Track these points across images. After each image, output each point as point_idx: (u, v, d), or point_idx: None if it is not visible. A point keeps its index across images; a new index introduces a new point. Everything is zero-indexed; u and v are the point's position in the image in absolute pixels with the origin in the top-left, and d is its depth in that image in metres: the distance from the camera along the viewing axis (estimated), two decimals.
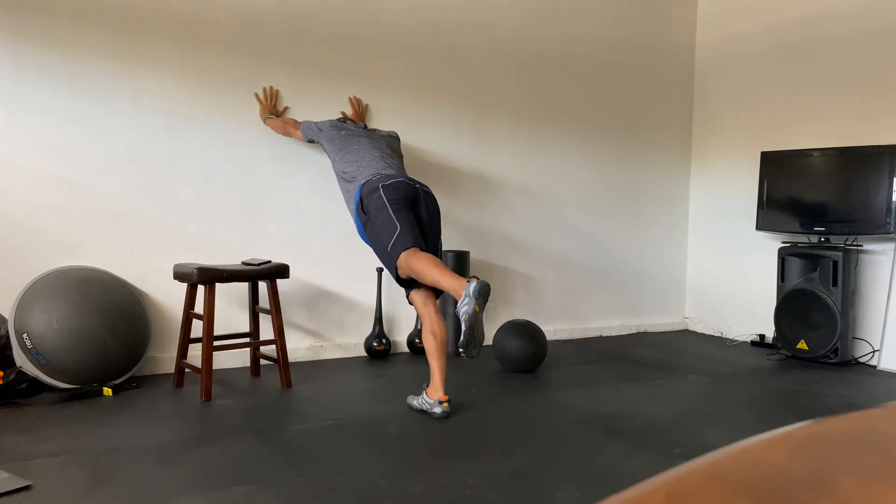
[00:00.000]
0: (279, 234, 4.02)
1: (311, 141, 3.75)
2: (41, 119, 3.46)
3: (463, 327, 2.68)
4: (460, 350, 2.69)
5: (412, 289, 3.11)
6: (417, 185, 3.15)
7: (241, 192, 3.92)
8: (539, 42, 4.77)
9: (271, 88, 3.94)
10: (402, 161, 3.52)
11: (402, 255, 2.94)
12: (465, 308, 2.68)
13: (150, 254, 3.70)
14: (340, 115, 3.92)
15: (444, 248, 4.43)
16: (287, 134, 3.85)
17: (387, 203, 3.03)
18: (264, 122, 3.90)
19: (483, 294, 2.69)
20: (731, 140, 5.10)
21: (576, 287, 5.00)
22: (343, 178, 3.34)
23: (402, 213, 3.03)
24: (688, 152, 5.41)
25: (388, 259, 3.02)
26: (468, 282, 2.70)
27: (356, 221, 3.23)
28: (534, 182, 4.80)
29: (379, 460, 2.46)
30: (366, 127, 3.69)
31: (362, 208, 3.14)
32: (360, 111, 4.16)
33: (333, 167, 3.47)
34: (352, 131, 3.53)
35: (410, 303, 3.17)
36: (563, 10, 4.84)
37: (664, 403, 3.25)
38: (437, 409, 2.95)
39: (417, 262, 2.88)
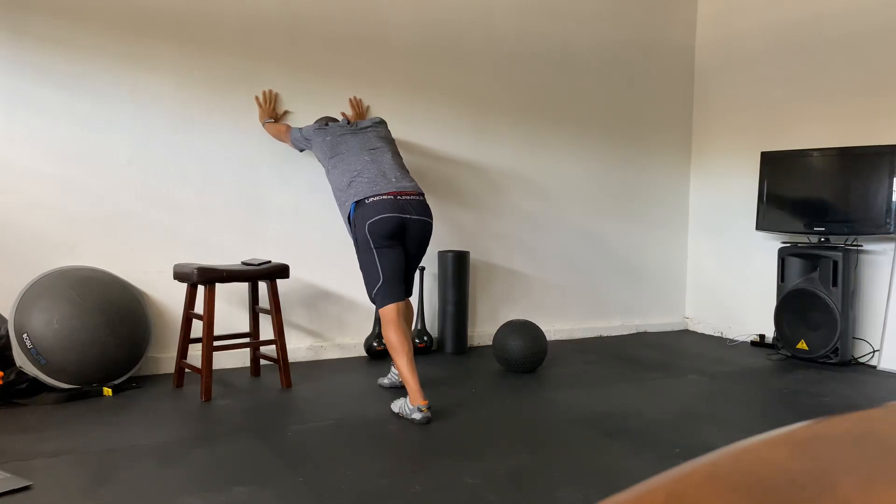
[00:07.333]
0: (279, 234, 4.02)
1: (301, 150, 3.71)
2: (41, 119, 3.46)
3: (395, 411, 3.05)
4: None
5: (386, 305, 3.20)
6: (406, 217, 3.12)
7: (241, 192, 3.92)
8: (539, 42, 4.77)
9: (270, 92, 3.93)
10: (394, 146, 3.39)
11: (389, 313, 3.08)
12: (399, 407, 3.02)
13: (150, 254, 3.70)
14: (323, 118, 3.73)
15: (444, 249, 4.43)
16: (281, 140, 3.80)
17: (372, 246, 3.11)
18: (263, 126, 3.89)
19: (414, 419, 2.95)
20: (731, 140, 5.10)
21: (576, 287, 5.00)
22: (336, 188, 3.27)
23: (386, 256, 3.12)
24: (688, 152, 5.41)
25: (370, 292, 3.18)
26: (419, 406, 2.92)
27: (348, 229, 3.25)
28: (534, 182, 4.80)
29: (379, 460, 2.46)
30: (349, 122, 3.46)
31: (353, 224, 3.16)
32: (361, 112, 4.15)
33: (326, 175, 3.41)
34: (336, 132, 3.38)
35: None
36: (562, 10, 4.84)
37: (664, 403, 3.25)
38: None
39: (395, 337, 3.05)
